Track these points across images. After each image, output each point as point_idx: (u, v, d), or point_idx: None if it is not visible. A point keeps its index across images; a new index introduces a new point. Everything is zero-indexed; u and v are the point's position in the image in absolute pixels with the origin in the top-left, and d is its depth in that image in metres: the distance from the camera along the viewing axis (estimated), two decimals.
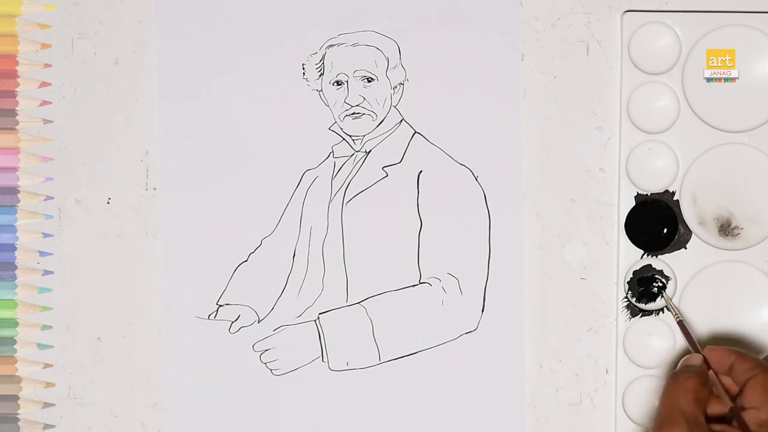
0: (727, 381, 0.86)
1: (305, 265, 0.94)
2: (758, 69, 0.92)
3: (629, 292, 0.93)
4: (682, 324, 0.90)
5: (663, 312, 0.93)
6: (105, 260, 0.94)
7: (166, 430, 0.94)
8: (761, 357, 0.92)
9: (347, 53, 0.94)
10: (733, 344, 0.92)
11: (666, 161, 0.93)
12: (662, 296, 0.92)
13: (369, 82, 0.94)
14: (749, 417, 0.82)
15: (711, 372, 0.85)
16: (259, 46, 0.94)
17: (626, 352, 0.93)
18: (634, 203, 0.93)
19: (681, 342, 0.93)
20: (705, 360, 0.86)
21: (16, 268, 0.94)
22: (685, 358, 0.88)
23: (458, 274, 0.93)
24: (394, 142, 0.94)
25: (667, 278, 0.92)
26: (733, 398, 0.84)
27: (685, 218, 0.93)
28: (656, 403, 0.90)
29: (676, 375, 0.84)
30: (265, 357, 0.94)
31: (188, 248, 0.94)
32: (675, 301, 0.93)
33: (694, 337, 0.90)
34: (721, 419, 0.84)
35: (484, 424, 0.93)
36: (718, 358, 0.86)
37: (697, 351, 0.88)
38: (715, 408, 0.85)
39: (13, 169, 0.94)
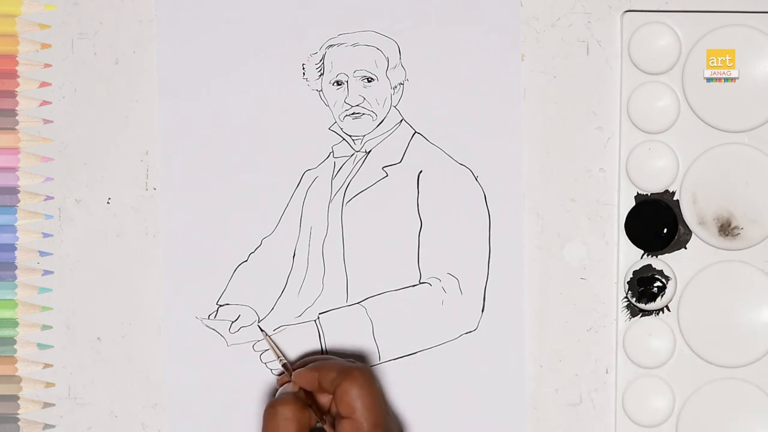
0: (326, 398, 0.87)
1: (305, 265, 0.94)
2: (758, 69, 0.92)
3: (629, 292, 0.93)
4: (286, 366, 0.91)
5: (663, 312, 0.93)
6: (105, 260, 0.94)
7: (166, 430, 0.94)
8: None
9: (347, 53, 0.94)
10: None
11: (666, 161, 0.93)
12: (266, 339, 0.92)
13: (369, 82, 0.94)
14: (345, 426, 0.84)
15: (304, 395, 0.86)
16: (259, 46, 0.94)
17: (626, 352, 0.93)
18: (634, 203, 0.93)
19: (681, 342, 0.93)
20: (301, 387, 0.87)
21: (16, 268, 0.94)
22: (282, 387, 0.88)
23: (458, 274, 0.93)
24: (394, 142, 0.94)
25: (667, 278, 0.92)
26: (332, 413, 0.86)
27: (685, 218, 0.93)
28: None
29: (274, 405, 0.84)
30: (265, 357, 0.94)
31: (188, 248, 0.94)
32: (675, 301, 0.93)
33: (290, 366, 0.90)
34: None
35: (484, 424, 0.93)
36: (306, 379, 0.86)
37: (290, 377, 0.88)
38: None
39: (13, 169, 0.94)
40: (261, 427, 0.85)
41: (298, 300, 0.94)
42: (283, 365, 0.90)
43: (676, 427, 0.93)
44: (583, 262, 0.94)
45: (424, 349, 0.94)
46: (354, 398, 0.84)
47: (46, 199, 0.94)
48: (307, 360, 0.90)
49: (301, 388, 0.87)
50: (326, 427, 0.85)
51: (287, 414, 0.84)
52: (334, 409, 0.86)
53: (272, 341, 0.92)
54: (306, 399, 0.86)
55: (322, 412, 0.86)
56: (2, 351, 0.94)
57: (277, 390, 0.90)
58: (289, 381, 0.88)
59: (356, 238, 0.94)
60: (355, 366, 0.85)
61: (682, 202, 0.93)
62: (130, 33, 0.94)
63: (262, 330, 0.92)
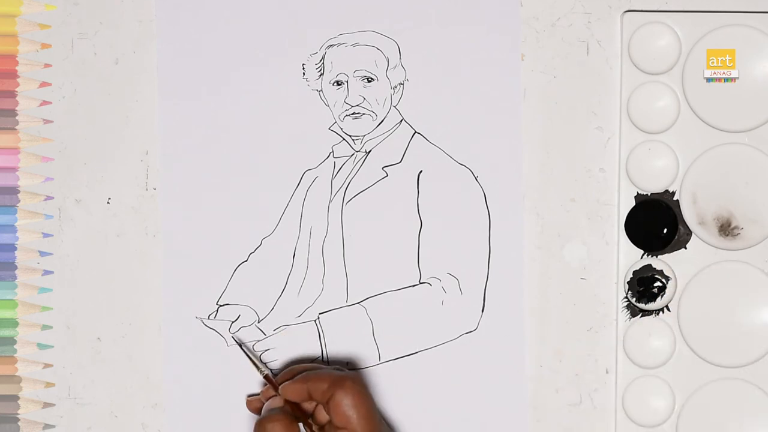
0: (312, 405, 0.86)
1: (305, 265, 0.94)
2: (758, 69, 0.92)
3: (629, 292, 0.93)
4: (268, 377, 0.90)
5: (663, 312, 0.93)
6: (105, 260, 0.94)
7: (166, 430, 0.94)
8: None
9: (347, 53, 0.94)
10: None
11: (666, 161, 0.93)
12: (247, 355, 0.91)
13: (369, 82, 0.94)
14: None
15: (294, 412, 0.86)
16: (259, 46, 0.94)
17: (626, 352, 0.93)
18: (634, 203, 0.93)
19: (681, 342, 0.93)
20: (286, 401, 0.86)
21: (16, 268, 0.94)
22: (268, 402, 0.88)
23: (458, 274, 0.93)
24: (394, 142, 0.94)
25: (667, 278, 0.92)
26: (319, 421, 0.85)
27: (685, 218, 0.93)
28: None
29: (262, 423, 0.84)
30: (266, 357, 0.94)
31: (188, 248, 0.94)
32: (675, 301, 0.93)
33: (273, 380, 0.89)
34: None
35: (484, 424, 0.93)
36: (295, 392, 0.86)
37: (276, 391, 0.87)
38: None
39: (13, 169, 0.94)
40: None
41: (298, 300, 0.94)
42: (265, 377, 0.90)
43: (676, 428, 0.93)
44: (583, 262, 0.94)
45: (424, 349, 0.94)
46: (349, 408, 0.83)
47: (46, 199, 0.94)
48: (292, 370, 0.89)
49: (287, 401, 0.87)
50: None
51: (277, 431, 0.83)
52: (322, 418, 0.86)
53: (251, 352, 0.91)
54: (293, 411, 0.86)
55: (310, 423, 0.86)
56: (2, 351, 0.94)
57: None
58: (275, 395, 0.88)
59: (356, 238, 0.94)
60: (346, 375, 0.85)
61: (682, 202, 0.93)
62: (130, 33, 0.94)
63: (237, 342, 0.92)
